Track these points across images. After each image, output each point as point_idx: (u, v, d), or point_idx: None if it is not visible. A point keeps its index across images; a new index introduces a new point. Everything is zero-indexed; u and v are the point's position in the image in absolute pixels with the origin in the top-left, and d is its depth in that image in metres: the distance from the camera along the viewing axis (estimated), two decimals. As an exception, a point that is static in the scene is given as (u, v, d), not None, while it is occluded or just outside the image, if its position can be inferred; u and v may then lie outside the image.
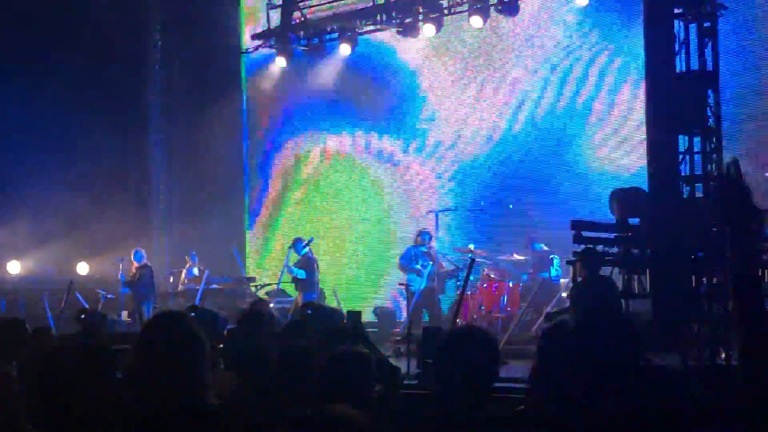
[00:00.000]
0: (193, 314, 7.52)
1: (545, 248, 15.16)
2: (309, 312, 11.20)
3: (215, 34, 20.10)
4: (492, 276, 14.77)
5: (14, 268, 18.47)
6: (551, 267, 14.63)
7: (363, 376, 4.10)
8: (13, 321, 7.40)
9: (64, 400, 3.65)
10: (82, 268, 18.49)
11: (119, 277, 16.86)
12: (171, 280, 17.82)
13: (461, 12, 16.29)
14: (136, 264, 16.73)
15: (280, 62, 17.98)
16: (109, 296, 16.98)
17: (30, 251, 18.36)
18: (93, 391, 3.70)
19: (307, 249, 16.26)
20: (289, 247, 16.48)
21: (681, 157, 9.58)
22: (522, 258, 15.33)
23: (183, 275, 17.62)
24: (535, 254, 15.10)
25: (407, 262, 15.10)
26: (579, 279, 10.45)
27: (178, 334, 3.76)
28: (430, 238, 15.21)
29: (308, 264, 16.04)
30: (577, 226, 10.56)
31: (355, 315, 10.43)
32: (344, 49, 17.20)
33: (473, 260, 13.23)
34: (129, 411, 3.64)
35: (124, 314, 16.70)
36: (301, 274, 15.85)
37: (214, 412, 3.69)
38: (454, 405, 3.44)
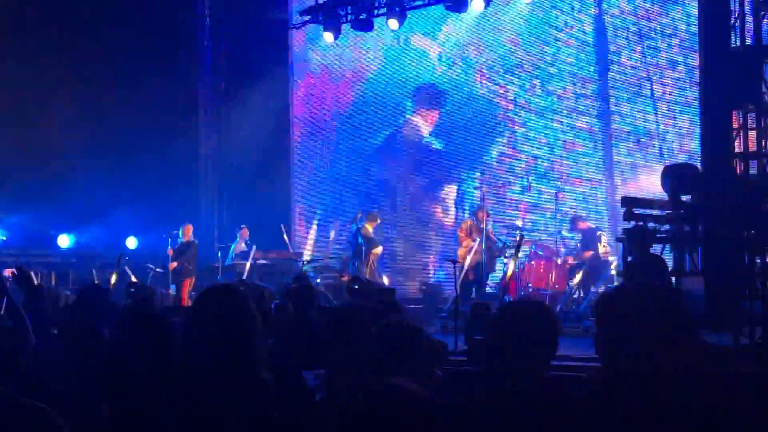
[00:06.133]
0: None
1: (592, 225, 15.07)
2: (355, 287, 11.27)
3: (264, 9, 20.12)
4: (540, 253, 14.70)
5: (64, 241, 18.72)
6: (599, 244, 14.52)
7: (415, 349, 4.06)
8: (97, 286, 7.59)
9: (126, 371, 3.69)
10: (131, 242, 18.70)
11: (168, 251, 17.02)
12: (219, 255, 17.94)
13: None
14: (186, 238, 16.93)
15: (328, 37, 17.93)
16: (158, 270, 17.15)
17: (80, 225, 18.58)
18: (151, 362, 3.72)
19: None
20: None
21: (735, 133, 9.42)
22: (570, 235, 15.23)
23: (232, 250, 17.74)
24: (581, 231, 14.99)
25: (464, 235, 15.21)
26: (629, 258, 10.33)
27: (230, 307, 3.76)
28: (487, 215, 15.14)
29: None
30: (628, 202, 10.43)
31: (389, 292, 10.45)
32: (392, 24, 17.11)
33: (522, 237, 13.17)
34: (183, 382, 3.65)
35: (173, 288, 16.86)
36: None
37: (267, 385, 3.69)
38: (509, 382, 3.39)
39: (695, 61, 12.51)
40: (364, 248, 16.16)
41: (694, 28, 12.68)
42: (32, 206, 18.00)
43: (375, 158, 19.48)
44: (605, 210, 16.07)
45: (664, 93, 15.65)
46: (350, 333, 4.33)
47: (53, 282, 17.02)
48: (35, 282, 5.58)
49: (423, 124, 18.81)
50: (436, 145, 18.60)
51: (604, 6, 16.38)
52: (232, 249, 17.77)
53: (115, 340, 3.90)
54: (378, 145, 19.44)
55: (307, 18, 18.59)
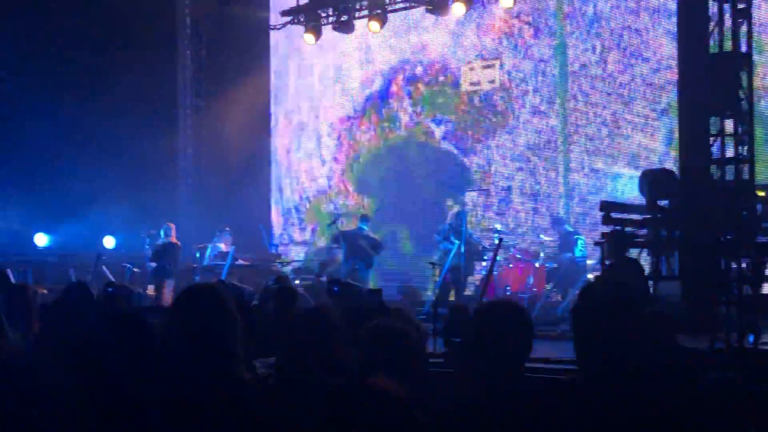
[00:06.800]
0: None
1: (570, 229, 15.16)
2: (335, 289, 11.26)
3: (245, 9, 20.09)
4: (518, 256, 14.76)
5: (41, 240, 18.61)
6: (575, 247, 14.60)
7: (403, 350, 4.06)
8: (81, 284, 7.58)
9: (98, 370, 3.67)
10: (109, 242, 18.60)
11: (146, 251, 16.92)
12: (197, 255, 17.86)
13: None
14: (167, 239, 16.78)
15: (309, 39, 17.93)
16: (135, 270, 17.06)
17: (58, 224, 18.47)
18: (127, 360, 3.70)
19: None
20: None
21: (712, 139, 9.49)
22: (548, 239, 15.31)
23: (208, 251, 17.65)
24: (560, 235, 15.07)
25: (442, 238, 15.22)
26: (606, 261, 10.41)
27: (210, 306, 3.76)
28: (463, 218, 15.18)
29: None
30: (607, 207, 10.50)
31: (376, 293, 10.45)
32: (373, 27, 17.13)
33: (501, 240, 13.22)
34: (162, 382, 3.65)
35: (150, 288, 16.76)
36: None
37: (247, 385, 3.70)
38: (485, 382, 3.40)
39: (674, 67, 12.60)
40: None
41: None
42: (9, 205, 17.89)
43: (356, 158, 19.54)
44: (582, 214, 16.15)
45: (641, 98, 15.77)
46: (313, 331, 4.36)
47: (30, 281, 16.89)
48: (11, 281, 5.56)
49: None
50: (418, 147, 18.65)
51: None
52: (209, 250, 17.68)
53: (90, 339, 3.87)
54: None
55: (288, 19, 18.59)
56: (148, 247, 16.89)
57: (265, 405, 3.70)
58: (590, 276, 13.58)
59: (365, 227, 16.41)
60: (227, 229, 17.69)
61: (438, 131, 18.26)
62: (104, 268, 16.23)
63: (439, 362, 9.34)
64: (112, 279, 15.47)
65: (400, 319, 4.72)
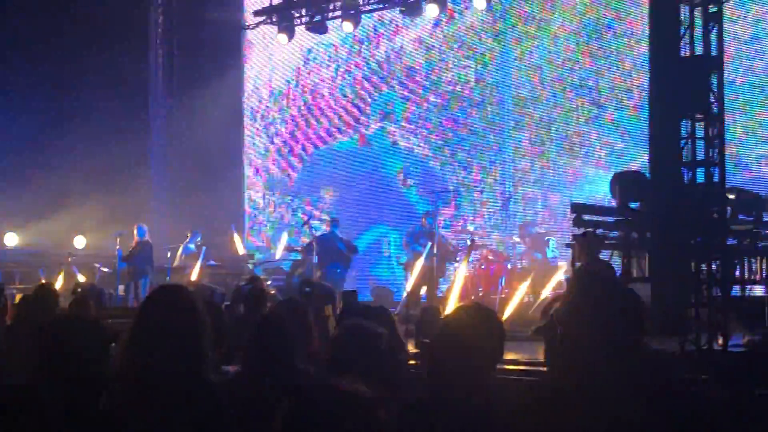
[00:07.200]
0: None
1: (540, 231, 15.21)
2: (307, 290, 11.22)
3: (218, 9, 20.01)
4: (491, 258, 14.78)
5: (11, 240, 18.45)
6: (547, 248, 14.64)
7: (373, 351, 4.04)
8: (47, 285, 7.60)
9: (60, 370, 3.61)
10: (80, 242, 18.46)
11: (117, 251, 16.83)
12: (168, 255, 17.77)
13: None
14: (137, 239, 16.66)
15: (282, 39, 17.88)
16: (106, 270, 16.95)
17: (27, 224, 18.33)
18: (86, 363, 3.64)
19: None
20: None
21: (683, 142, 9.54)
22: (519, 240, 15.34)
23: (180, 251, 17.58)
24: (530, 237, 15.11)
25: (412, 240, 15.20)
26: (577, 263, 10.43)
27: (179, 307, 3.74)
28: (434, 219, 15.19)
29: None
30: (578, 208, 10.53)
31: (351, 295, 10.43)
32: (347, 27, 17.12)
33: (473, 242, 13.24)
34: (125, 384, 3.61)
35: (121, 288, 16.66)
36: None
37: (213, 387, 3.67)
38: (452, 387, 3.39)
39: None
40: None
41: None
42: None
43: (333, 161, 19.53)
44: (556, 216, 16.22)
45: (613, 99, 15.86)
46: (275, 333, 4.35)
47: (-1, 280, 16.75)
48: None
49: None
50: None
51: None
52: (179, 250, 17.60)
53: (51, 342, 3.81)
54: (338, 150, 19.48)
55: (261, 19, 18.54)
56: (118, 247, 16.79)
57: (231, 407, 3.68)
58: (562, 278, 13.59)
59: (336, 230, 16.41)
60: (197, 230, 17.62)
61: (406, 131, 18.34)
62: (74, 268, 16.12)
63: (411, 363, 9.37)
64: (82, 278, 15.38)
65: (382, 321, 4.70)
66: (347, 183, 19.13)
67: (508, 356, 7.54)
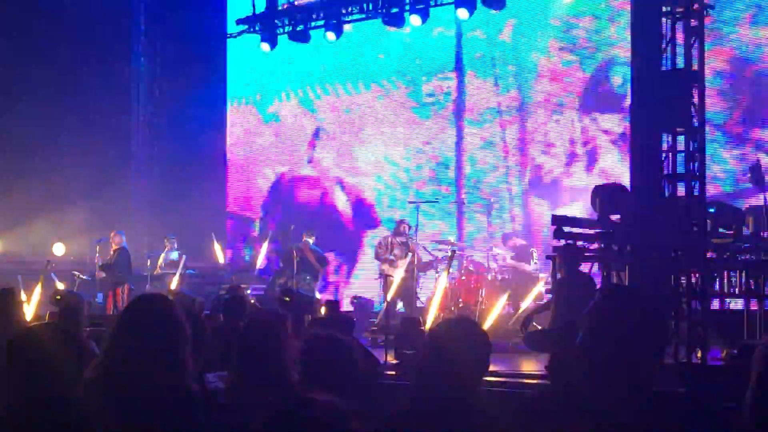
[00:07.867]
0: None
1: (522, 242, 15.23)
2: (287, 300, 11.21)
3: (200, 18, 19.99)
4: (471, 268, 14.77)
5: (-10, 246, 18.33)
6: (531, 260, 14.67)
7: (344, 362, 4.02)
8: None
9: (37, 381, 3.56)
10: (59, 249, 18.34)
11: (96, 258, 16.74)
12: (148, 263, 17.70)
13: (448, 3, 16.19)
14: (115, 246, 16.58)
15: (265, 48, 17.87)
16: (85, 278, 16.86)
17: (6, 231, 18.21)
18: (65, 374, 3.60)
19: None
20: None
21: (664, 155, 9.57)
22: (501, 252, 15.34)
23: (161, 259, 17.51)
24: (513, 248, 15.12)
25: (383, 251, 15.18)
26: (558, 275, 10.45)
27: (159, 316, 3.72)
28: (409, 228, 15.22)
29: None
30: (558, 221, 10.55)
31: (334, 304, 10.42)
32: (330, 36, 17.13)
33: (454, 252, 13.24)
34: (105, 394, 3.58)
35: (100, 296, 16.58)
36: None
37: (194, 397, 3.65)
38: (439, 398, 3.37)
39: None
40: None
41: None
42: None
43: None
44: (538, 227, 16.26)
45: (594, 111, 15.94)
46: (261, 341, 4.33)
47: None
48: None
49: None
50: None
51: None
52: (160, 258, 17.53)
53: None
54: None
55: (244, 28, 18.51)
56: (98, 255, 16.71)
57: (212, 417, 3.66)
58: (542, 289, 13.60)
59: (311, 241, 16.43)
60: (173, 238, 17.56)
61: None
62: (53, 275, 16.02)
63: (391, 374, 9.35)
64: (61, 286, 15.29)
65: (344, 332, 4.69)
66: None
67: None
